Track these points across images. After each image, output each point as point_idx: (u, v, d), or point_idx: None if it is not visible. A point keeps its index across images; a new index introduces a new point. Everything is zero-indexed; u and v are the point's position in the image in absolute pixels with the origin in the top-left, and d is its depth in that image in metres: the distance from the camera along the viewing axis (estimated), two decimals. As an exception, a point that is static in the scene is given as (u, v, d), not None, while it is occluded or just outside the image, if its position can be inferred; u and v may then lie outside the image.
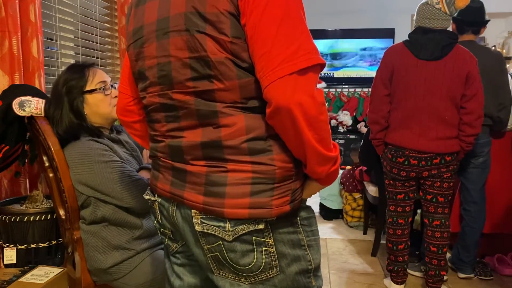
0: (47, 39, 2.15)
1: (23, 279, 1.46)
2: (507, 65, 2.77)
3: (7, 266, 1.59)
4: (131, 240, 1.47)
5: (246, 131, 0.86)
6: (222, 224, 0.89)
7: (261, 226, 0.89)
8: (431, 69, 2.14)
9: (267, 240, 0.91)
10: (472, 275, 2.62)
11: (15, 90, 1.54)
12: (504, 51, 4.67)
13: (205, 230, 0.91)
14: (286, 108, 0.80)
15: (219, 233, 0.90)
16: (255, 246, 0.91)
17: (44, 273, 1.51)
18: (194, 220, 0.91)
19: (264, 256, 0.92)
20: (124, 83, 1.12)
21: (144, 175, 1.51)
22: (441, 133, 2.17)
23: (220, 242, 0.91)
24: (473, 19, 2.48)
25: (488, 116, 2.46)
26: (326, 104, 5.80)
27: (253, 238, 0.90)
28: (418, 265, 2.67)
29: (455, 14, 2.20)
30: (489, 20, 2.54)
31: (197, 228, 0.91)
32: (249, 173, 0.87)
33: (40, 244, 1.62)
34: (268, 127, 0.86)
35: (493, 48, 4.06)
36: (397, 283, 2.38)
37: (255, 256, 0.91)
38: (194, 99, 0.88)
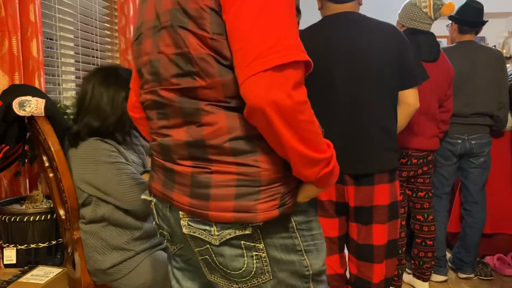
0: (47, 39, 2.15)
1: (23, 279, 1.46)
2: (507, 65, 2.77)
3: (7, 266, 1.59)
4: (130, 240, 1.47)
5: (228, 130, 0.83)
6: (208, 227, 0.87)
7: (248, 231, 0.86)
8: (429, 70, 2.15)
9: (257, 244, 0.88)
10: (472, 275, 2.62)
11: (15, 90, 1.54)
12: (504, 51, 4.67)
13: (192, 233, 0.89)
14: (259, 107, 0.76)
15: (206, 237, 0.87)
16: (244, 251, 0.88)
17: (44, 273, 1.51)
18: (182, 222, 0.89)
19: (255, 260, 0.89)
20: (133, 80, 1.13)
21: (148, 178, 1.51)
22: (434, 131, 2.29)
23: (208, 246, 0.88)
24: (477, 19, 2.49)
25: (488, 115, 2.47)
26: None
27: (242, 242, 0.87)
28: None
29: (438, 19, 2.25)
30: (487, 21, 2.55)
31: (185, 230, 0.89)
32: (233, 175, 0.84)
33: (40, 244, 1.62)
34: (252, 126, 0.83)
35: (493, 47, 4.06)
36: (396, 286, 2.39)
37: (245, 261, 0.88)
38: (178, 97, 0.86)
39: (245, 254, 0.88)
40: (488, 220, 2.64)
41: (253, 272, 0.89)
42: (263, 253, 0.88)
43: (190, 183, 0.87)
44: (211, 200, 0.85)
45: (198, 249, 0.91)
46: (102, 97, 1.48)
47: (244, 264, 0.88)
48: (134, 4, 2.71)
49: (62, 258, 1.70)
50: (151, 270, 1.47)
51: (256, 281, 0.90)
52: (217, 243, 0.87)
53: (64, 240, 1.59)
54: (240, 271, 0.89)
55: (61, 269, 1.55)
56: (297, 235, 0.92)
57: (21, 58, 1.74)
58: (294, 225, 0.92)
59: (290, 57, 0.75)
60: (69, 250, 1.55)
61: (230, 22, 0.78)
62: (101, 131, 1.47)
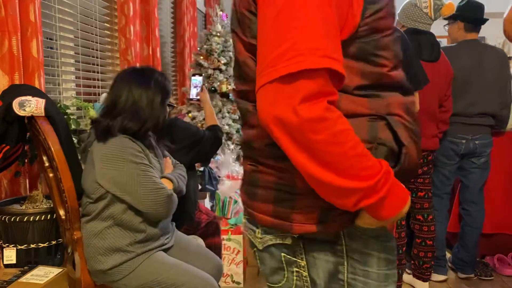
0: (47, 39, 2.15)
1: (23, 279, 1.46)
2: (508, 65, 2.78)
3: (7, 266, 1.59)
4: (133, 243, 1.46)
5: (266, 133, 0.76)
6: (254, 228, 0.84)
7: (288, 242, 0.80)
8: (430, 70, 2.15)
9: (298, 260, 0.81)
10: (472, 275, 2.62)
11: (15, 90, 1.54)
12: (504, 50, 4.67)
13: (246, 231, 0.87)
14: (265, 123, 0.68)
15: (253, 239, 0.85)
16: (285, 265, 0.82)
17: (44, 273, 1.51)
18: (243, 219, 0.90)
19: (295, 277, 0.82)
20: None
21: (166, 184, 1.51)
22: (434, 131, 2.31)
23: (255, 249, 0.85)
24: (481, 17, 2.50)
25: (490, 114, 2.47)
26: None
27: (282, 255, 0.82)
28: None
29: (439, 18, 2.25)
30: (488, 19, 2.56)
31: (243, 228, 0.89)
32: (273, 177, 0.80)
33: (40, 244, 1.62)
34: None
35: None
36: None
37: (286, 275, 0.83)
38: (238, 98, 0.87)
39: (285, 269, 0.83)
40: (488, 220, 2.64)
41: None
42: (304, 271, 0.82)
43: (247, 180, 0.86)
44: (257, 200, 0.83)
45: (253, 251, 0.89)
46: (141, 99, 1.49)
47: (284, 277, 0.83)
48: (134, 4, 2.71)
49: (62, 258, 1.70)
50: (151, 271, 1.47)
51: None
52: (261, 248, 0.83)
53: (64, 240, 1.59)
54: (280, 284, 0.84)
55: (61, 269, 1.55)
56: (345, 262, 0.81)
57: (21, 58, 1.74)
58: (344, 249, 0.81)
59: (302, 64, 0.64)
60: (69, 250, 1.54)
61: (258, 23, 0.73)
62: (137, 133, 1.47)
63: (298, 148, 0.67)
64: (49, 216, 1.62)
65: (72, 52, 2.37)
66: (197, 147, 1.93)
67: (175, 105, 1.70)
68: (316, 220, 0.77)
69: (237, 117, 3.52)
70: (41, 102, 1.45)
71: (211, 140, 1.99)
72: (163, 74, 1.62)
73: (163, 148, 1.68)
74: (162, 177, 1.56)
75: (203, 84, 2.25)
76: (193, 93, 2.25)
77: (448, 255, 2.73)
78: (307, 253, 0.81)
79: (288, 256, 0.82)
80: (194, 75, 2.30)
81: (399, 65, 0.82)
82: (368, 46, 0.75)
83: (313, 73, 0.65)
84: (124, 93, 1.49)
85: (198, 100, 2.24)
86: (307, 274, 0.82)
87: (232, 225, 2.68)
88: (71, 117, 1.93)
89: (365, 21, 0.74)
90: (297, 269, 0.82)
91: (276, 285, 0.85)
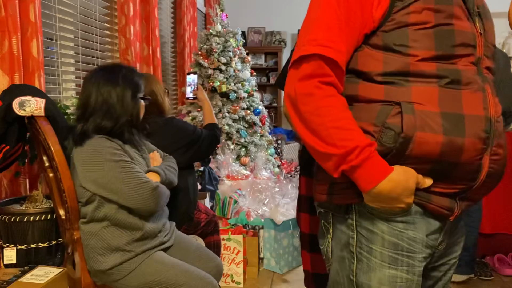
0: (47, 39, 2.15)
1: (23, 279, 1.46)
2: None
3: (7, 266, 1.59)
4: (131, 241, 1.46)
5: None
6: None
7: (321, 209, 0.95)
8: None
9: (329, 228, 0.95)
10: (472, 275, 2.62)
11: (15, 90, 1.54)
12: (504, 50, 4.68)
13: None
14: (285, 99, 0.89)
15: None
16: (324, 231, 0.96)
17: (44, 273, 1.51)
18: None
19: (326, 244, 0.96)
20: None
21: (152, 178, 1.50)
22: None
23: None
24: None
25: (505, 110, 2.48)
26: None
27: (322, 221, 0.96)
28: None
29: None
30: None
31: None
32: None
33: (40, 244, 1.62)
34: None
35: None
36: None
37: (325, 241, 0.96)
38: None
39: (325, 235, 0.96)
40: (488, 220, 2.64)
41: (325, 254, 0.96)
42: (330, 239, 0.95)
43: None
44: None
45: None
46: (111, 96, 1.47)
47: (324, 242, 0.96)
48: (134, 4, 2.71)
49: (62, 258, 1.70)
50: (151, 271, 1.46)
51: (328, 264, 0.96)
52: (316, 214, 0.99)
53: (64, 240, 1.59)
54: (322, 247, 0.97)
55: (61, 269, 1.55)
56: (355, 235, 0.89)
57: (21, 58, 1.74)
58: (354, 224, 0.89)
59: (300, 52, 0.84)
60: (69, 250, 1.55)
61: None
62: (113, 131, 1.46)
63: (297, 117, 0.86)
64: (49, 216, 1.63)
65: (72, 52, 2.37)
66: (195, 146, 1.93)
67: (149, 98, 1.67)
68: (326, 191, 0.90)
69: (237, 117, 3.52)
70: (41, 102, 1.45)
71: (209, 139, 1.99)
72: (131, 68, 1.59)
73: (147, 142, 1.67)
74: (148, 170, 1.55)
75: (198, 82, 2.24)
76: (189, 91, 2.24)
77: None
78: (333, 224, 0.93)
79: (325, 223, 0.95)
80: (189, 73, 2.28)
81: (444, 57, 0.85)
82: (395, 37, 0.84)
83: (308, 59, 0.84)
84: (93, 92, 1.47)
85: (195, 98, 2.23)
86: (330, 242, 0.94)
87: (232, 225, 2.68)
88: (71, 117, 1.94)
89: (392, 16, 0.84)
90: (329, 236, 0.94)
91: (321, 248, 0.97)
